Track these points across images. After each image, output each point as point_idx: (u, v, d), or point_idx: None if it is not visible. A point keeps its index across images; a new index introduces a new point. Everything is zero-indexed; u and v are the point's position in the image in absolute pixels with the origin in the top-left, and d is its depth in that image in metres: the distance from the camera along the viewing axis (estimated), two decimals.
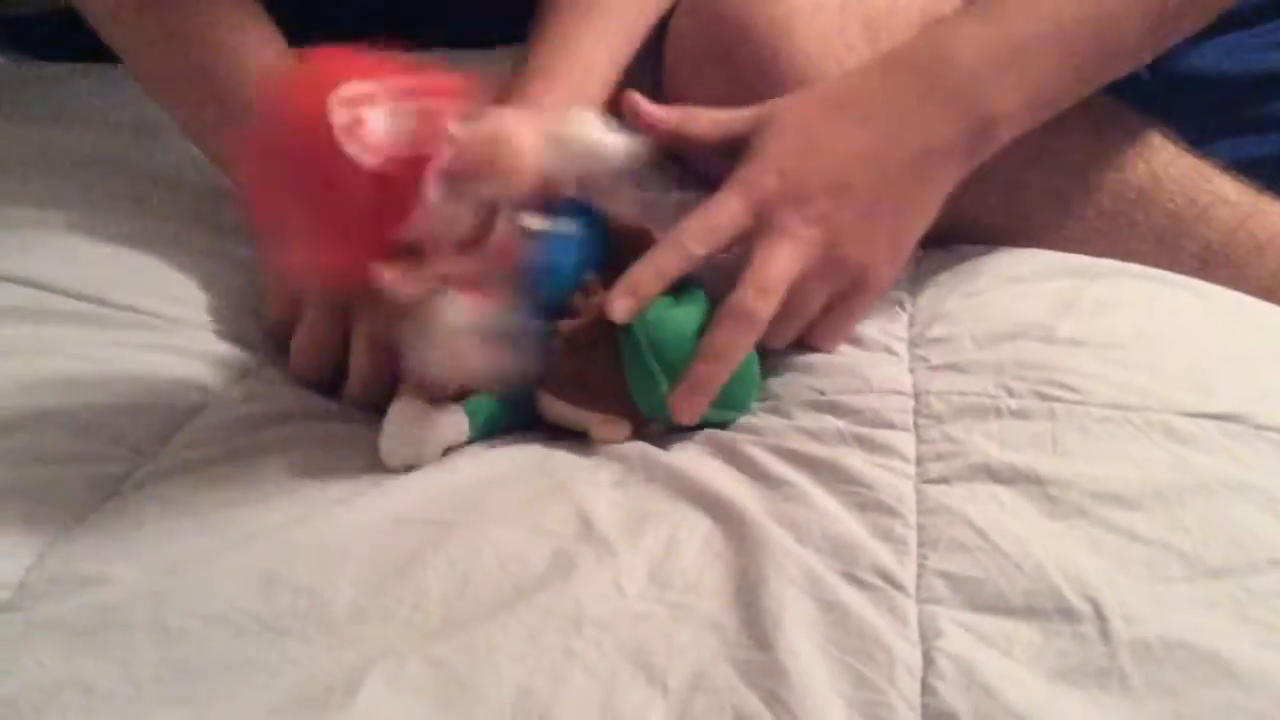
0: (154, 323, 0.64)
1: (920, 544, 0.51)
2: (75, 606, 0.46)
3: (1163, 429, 0.56)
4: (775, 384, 0.62)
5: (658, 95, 0.79)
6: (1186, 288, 0.67)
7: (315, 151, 0.48)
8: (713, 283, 0.60)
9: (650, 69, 0.79)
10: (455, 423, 0.57)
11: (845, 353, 0.64)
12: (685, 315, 0.58)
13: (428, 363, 0.54)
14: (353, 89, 0.49)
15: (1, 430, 0.54)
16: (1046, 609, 0.47)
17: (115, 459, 0.55)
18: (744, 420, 0.60)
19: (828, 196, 0.60)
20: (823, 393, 0.61)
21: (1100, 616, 0.46)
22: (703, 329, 0.58)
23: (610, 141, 0.57)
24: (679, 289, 0.59)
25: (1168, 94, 0.71)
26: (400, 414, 0.56)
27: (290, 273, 0.59)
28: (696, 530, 0.51)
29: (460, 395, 0.57)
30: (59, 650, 0.44)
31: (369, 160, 0.48)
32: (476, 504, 0.53)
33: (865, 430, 0.58)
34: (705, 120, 0.65)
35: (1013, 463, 0.54)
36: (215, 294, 0.67)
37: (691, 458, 0.57)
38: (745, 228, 0.60)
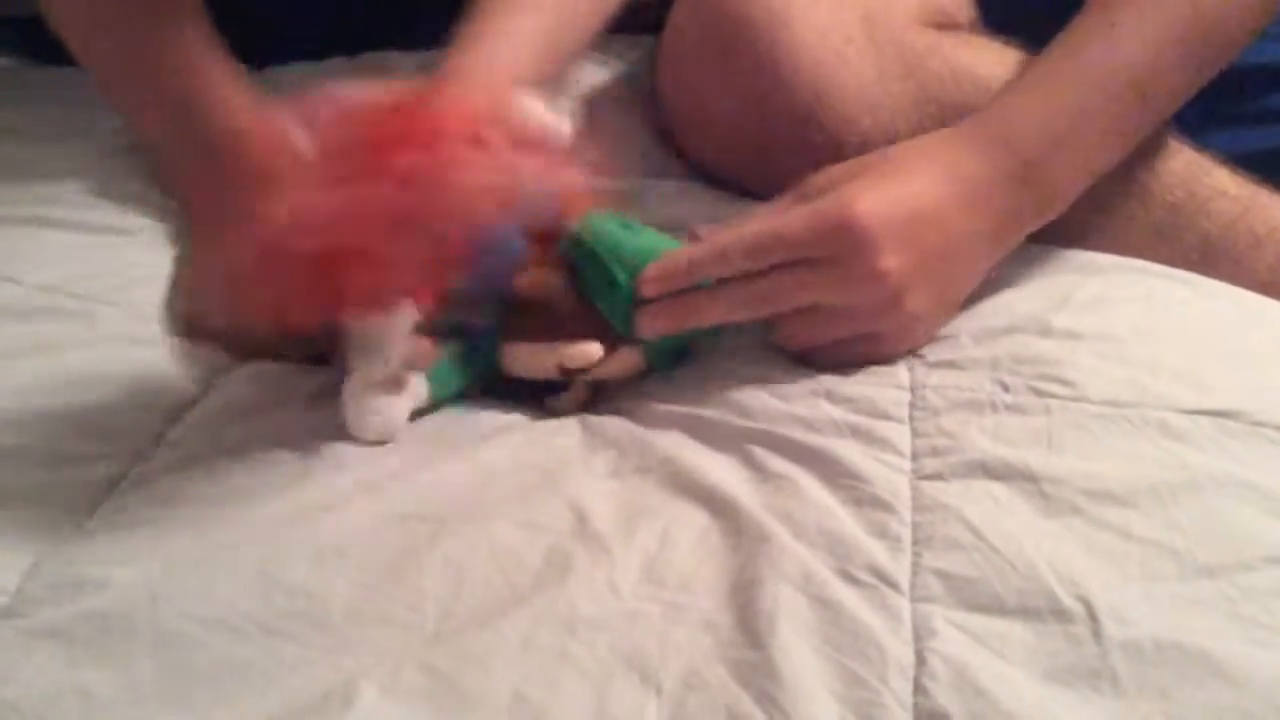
0: (143, 320, 0.64)
1: (915, 541, 0.51)
2: (73, 612, 0.47)
3: (1158, 426, 0.56)
4: (773, 369, 0.62)
5: (653, 92, 0.79)
6: (1184, 282, 0.67)
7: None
8: None
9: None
10: (413, 386, 0.58)
11: None
12: (639, 231, 0.61)
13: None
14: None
15: None
16: (1039, 609, 0.47)
17: (110, 459, 0.55)
18: (739, 404, 0.59)
19: (906, 249, 0.59)
20: (820, 381, 0.61)
21: (1092, 617, 0.46)
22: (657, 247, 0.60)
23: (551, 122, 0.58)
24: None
25: None
26: (356, 388, 0.57)
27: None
28: (690, 526, 0.51)
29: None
30: (58, 656, 0.45)
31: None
32: (471, 498, 0.53)
33: (862, 420, 0.58)
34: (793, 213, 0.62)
35: (1008, 459, 0.54)
36: None
37: (686, 446, 0.57)
38: (800, 258, 0.59)
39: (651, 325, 0.60)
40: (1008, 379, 0.59)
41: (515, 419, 0.60)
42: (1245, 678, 0.44)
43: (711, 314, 0.60)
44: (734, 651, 0.46)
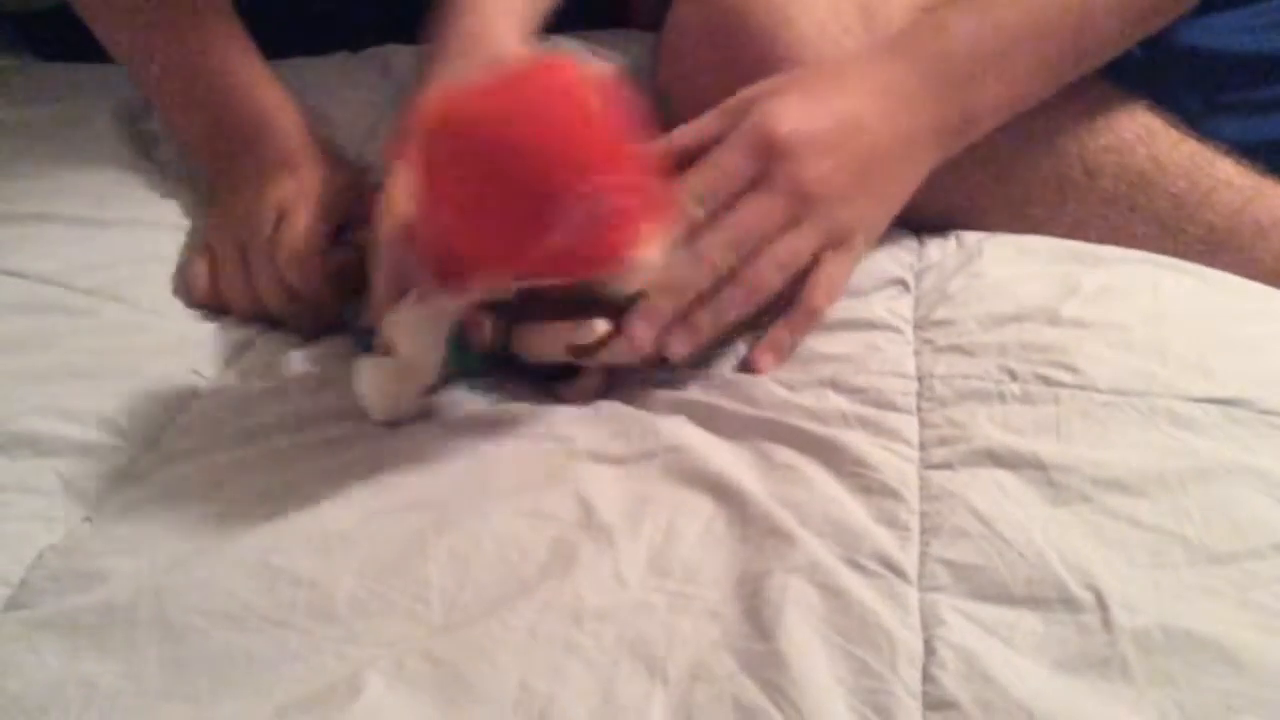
0: (148, 313, 0.64)
1: (923, 530, 0.51)
2: (78, 604, 0.46)
3: (1166, 414, 0.56)
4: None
5: (655, 88, 0.79)
6: (1190, 272, 0.67)
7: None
8: None
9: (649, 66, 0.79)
10: (426, 365, 0.58)
11: (851, 331, 0.64)
12: None
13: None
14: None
15: (0, 424, 0.55)
16: (1048, 598, 0.47)
17: (114, 451, 0.55)
18: (746, 394, 0.59)
19: (825, 158, 0.61)
20: (827, 370, 0.61)
21: (1102, 605, 0.46)
22: None
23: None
24: None
25: (1166, 70, 0.71)
26: (370, 370, 0.57)
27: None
28: (697, 516, 0.51)
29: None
30: (62, 648, 0.45)
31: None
32: (477, 486, 0.53)
33: (869, 410, 0.57)
34: (688, 132, 0.64)
35: (1016, 448, 0.54)
36: None
37: (692, 434, 0.56)
38: (748, 182, 0.60)
39: (681, 347, 0.59)
40: (1015, 367, 0.59)
41: (522, 407, 0.59)
42: (1255, 665, 0.44)
43: (724, 311, 0.60)
44: (741, 641, 0.45)
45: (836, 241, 0.63)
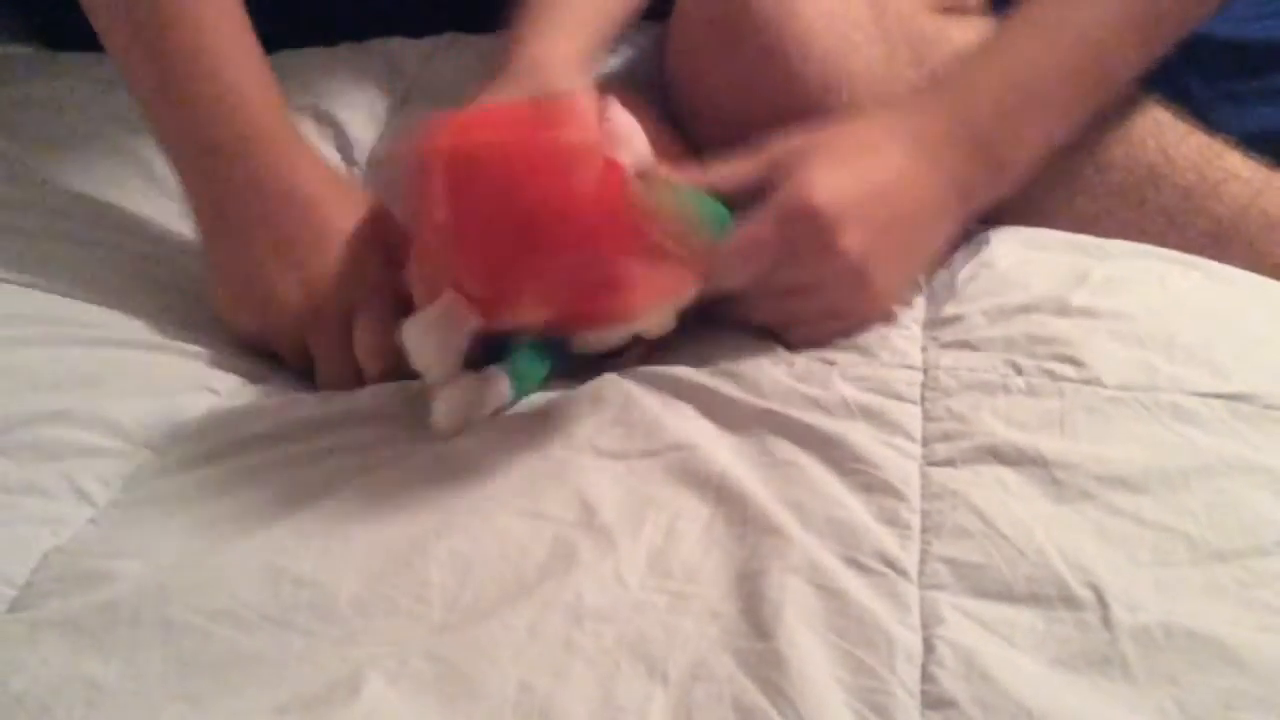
0: (152, 318, 0.65)
1: (924, 528, 0.51)
2: (81, 604, 0.47)
3: (1171, 410, 0.55)
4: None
5: (662, 80, 0.79)
6: (1198, 267, 0.66)
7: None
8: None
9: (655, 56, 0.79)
10: (498, 385, 0.58)
11: None
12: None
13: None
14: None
15: (9, 428, 0.55)
16: (1049, 596, 0.47)
17: (122, 456, 0.56)
18: (755, 380, 0.59)
19: (857, 227, 0.61)
20: (834, 358, 0.61)
21: (1102, 604, 0.46)
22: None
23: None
24: None
25: (1175, 59, 0.70)
26: (445, 391, 0.57)
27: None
28: (697, 517, 0.51)
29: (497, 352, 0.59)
30: (65, 648, 0.45)
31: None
32: (478, 486, 0.53)
33: (873, 400, 0.57)
34: (724, 173, 0.64)
35: (1019, 444, 0.54)
36: None
37: (695, 427, 0.56)
38: (782, 254, 0.61)
39: None
40: (1021, 361, 0.59)
41: (523, 399, 0.60)
42: (1257, 663, 0.44)
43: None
44: (740, 641, 0.45)
45: (854, 306, 0.63)
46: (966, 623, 0.46)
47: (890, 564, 0.49)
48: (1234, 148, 0.71)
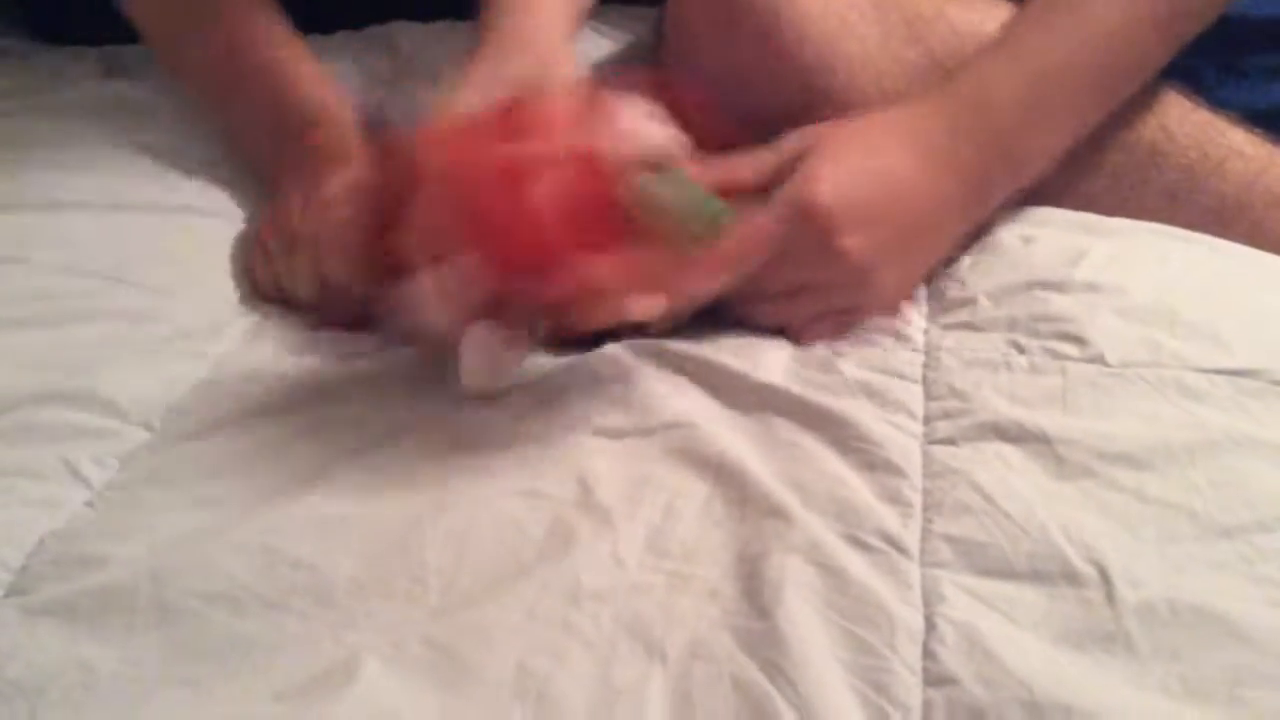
0: (149, 297, 0.64)
1: (926, 506, 0.50)
2: (77, 589, 0.47)
3: (1175, 385, 0.55)
4: None
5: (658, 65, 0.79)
6: (1200, 243, 0.66)
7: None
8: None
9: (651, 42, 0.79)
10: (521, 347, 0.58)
11: None
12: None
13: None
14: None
15: (2, 410, 0.55)
16: (1051, 573, 0.46)
17: (118, 437, 0.55)
18: (757, 357, 0.59)
19: (864, 227, 0.61)
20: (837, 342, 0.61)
21: (1105, 580, 0.46)
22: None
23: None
24: None
25: None
26: (473, 344, 0.57)
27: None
28: (695, 496, 0.51)
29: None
30: (61, 633, 0.45)
31: None
32: (475, 464, 0.53)
33: (875, 378, 0.57)
34: (748, 166, 0.64)
35: (1021, 421, 0.54)
36: (216, 267, 0.69)
37: (695, 406, 0.56)
38: (788, 249, 0.60)
39: None
40: (1023, 339, 0.59)
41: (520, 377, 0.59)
42: (1262, 639, 0.43)
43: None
44: (740, 621, 0.45)
45: (859, 304, 0.63)
46: (968, 600, 0.46)
47: (892, 542, 0.48)
48: (1237, 124, 0.70)
